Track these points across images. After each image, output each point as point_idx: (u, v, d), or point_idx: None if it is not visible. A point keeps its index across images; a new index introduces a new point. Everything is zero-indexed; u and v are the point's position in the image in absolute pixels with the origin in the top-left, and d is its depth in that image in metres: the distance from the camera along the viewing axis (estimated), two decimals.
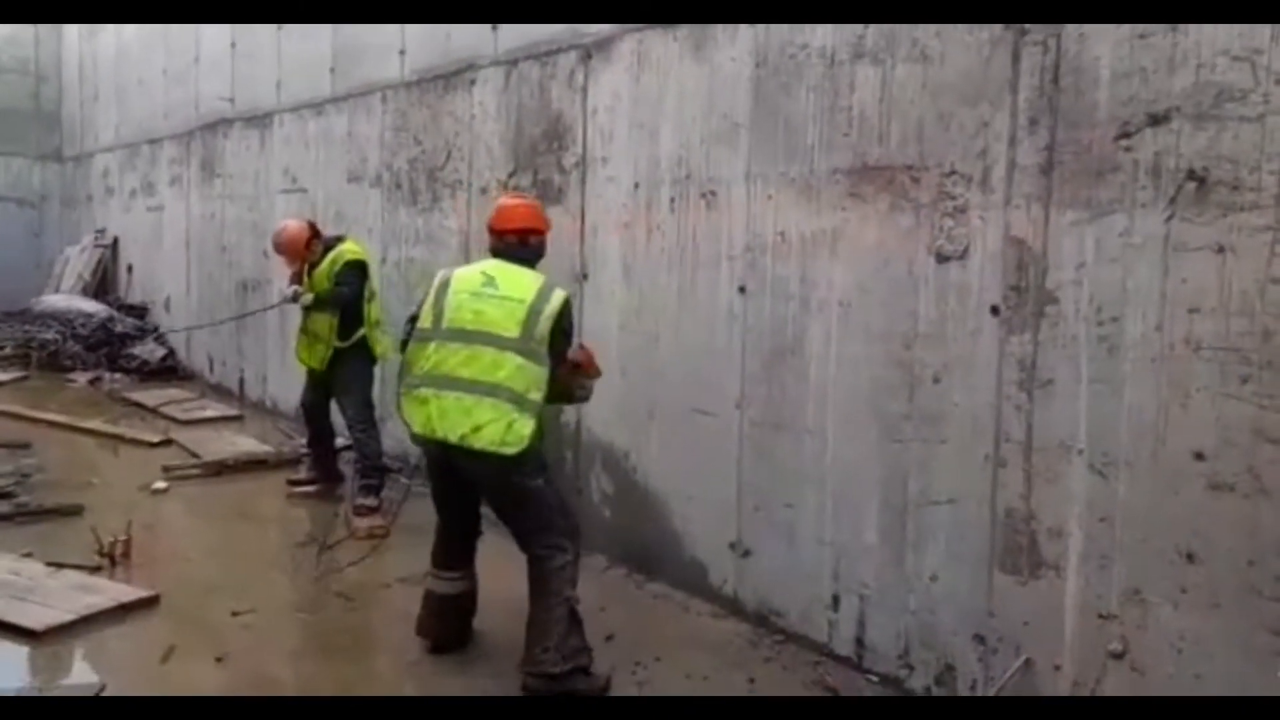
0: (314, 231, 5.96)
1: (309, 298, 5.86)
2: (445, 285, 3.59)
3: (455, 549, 3.83)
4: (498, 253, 3.73)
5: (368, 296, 5.86)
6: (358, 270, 5.81)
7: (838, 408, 3.77)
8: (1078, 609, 3.06)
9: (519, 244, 3.74)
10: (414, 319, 3.66)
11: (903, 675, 3.56)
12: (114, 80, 12.11)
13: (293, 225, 6.03)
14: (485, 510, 3.76)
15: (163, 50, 10.49)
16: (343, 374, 5.81)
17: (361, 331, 5.80)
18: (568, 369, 3.65)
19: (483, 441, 3.37)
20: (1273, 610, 2.63)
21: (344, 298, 5.74)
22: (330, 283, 5.78)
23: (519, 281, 3.56)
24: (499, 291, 3.51)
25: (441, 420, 3.43)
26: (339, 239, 6.03)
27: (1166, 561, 2.84)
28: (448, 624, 3.86)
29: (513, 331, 3.43)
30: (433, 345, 3.50)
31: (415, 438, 3.56)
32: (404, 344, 3.67)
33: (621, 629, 4.06)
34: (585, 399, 3.88)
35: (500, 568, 3.93)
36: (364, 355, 5.85)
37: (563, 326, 3.54)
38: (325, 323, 5.81)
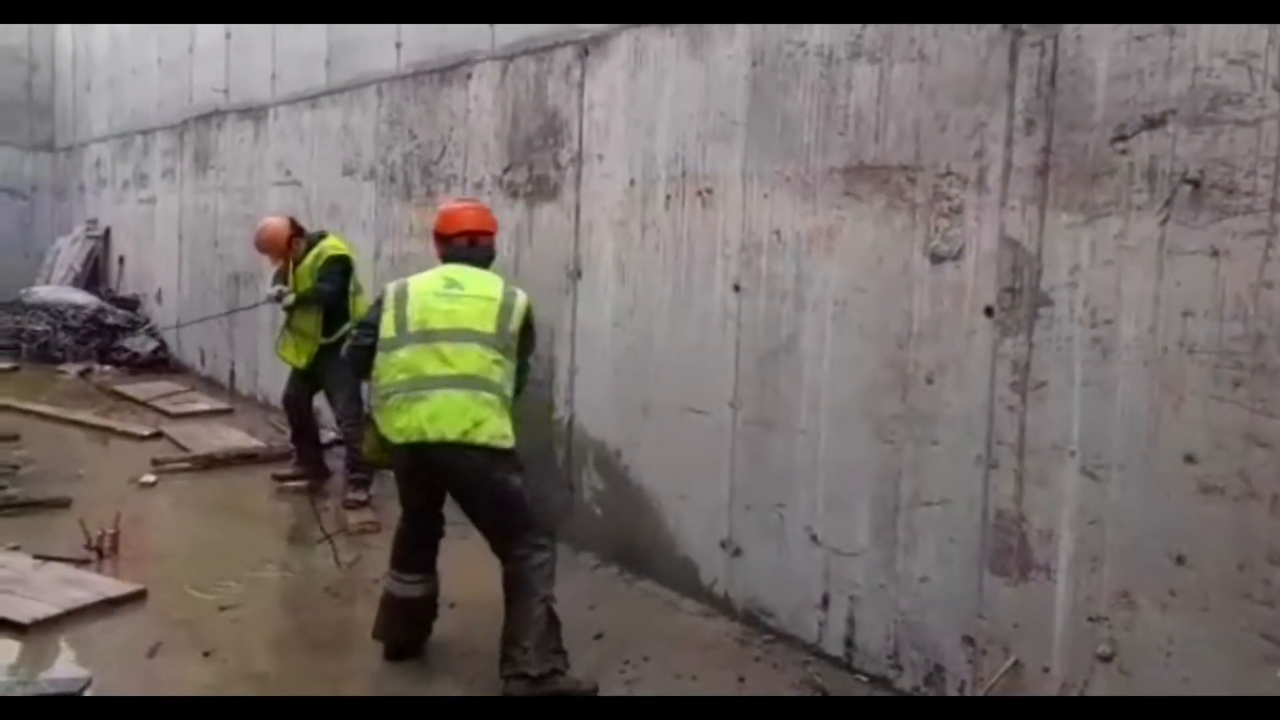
0: (295, 229, 5.92)
1: (291, 298, 5.83)
2: (403, 292, 3.58)
3: (420, 552, 3.73)
4: (448, 258, 3.78)
5: (353, 291, 5.82)
6: (340, 266, 5.78)
7: (831, 407, 3.76)
8: (1067, 611, 3.05)
9: (469, 246, 3.80)
10: (366, 331, 3.66)
11: (892, 676, 3.56)
12: (108, 70, 12.04)
13: (273, 223, 6.01)
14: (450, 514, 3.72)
15: (156, 40, 10.44)
16: (330, 370, 5.77)
17: (346, 327, 5.74)
18: None
19: (484, 436, 3.38)
20: (1262, 614, 2.63)
21: (325, 295, 5.71)
22: (313, 279, 5.75)
23: (483, 281, 3.63)
24: (465, 291, 3.55)
25: (434, 421, 3.37)
26: (321, 235, 5.99)
27: (1156, 564, 2.84)
28: (407, 629, 3.75)
29: (489, 328, 3.49)
30: (402, 352, 3.47)
31: (395, 446, 3.46)
32: (359, 358, 3.68)
33: (611, 627, 4.05)
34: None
35: (465, 569, 3.92)
36: None
37: (529, 324, 3.66)
38: (310, 320, 5.78)
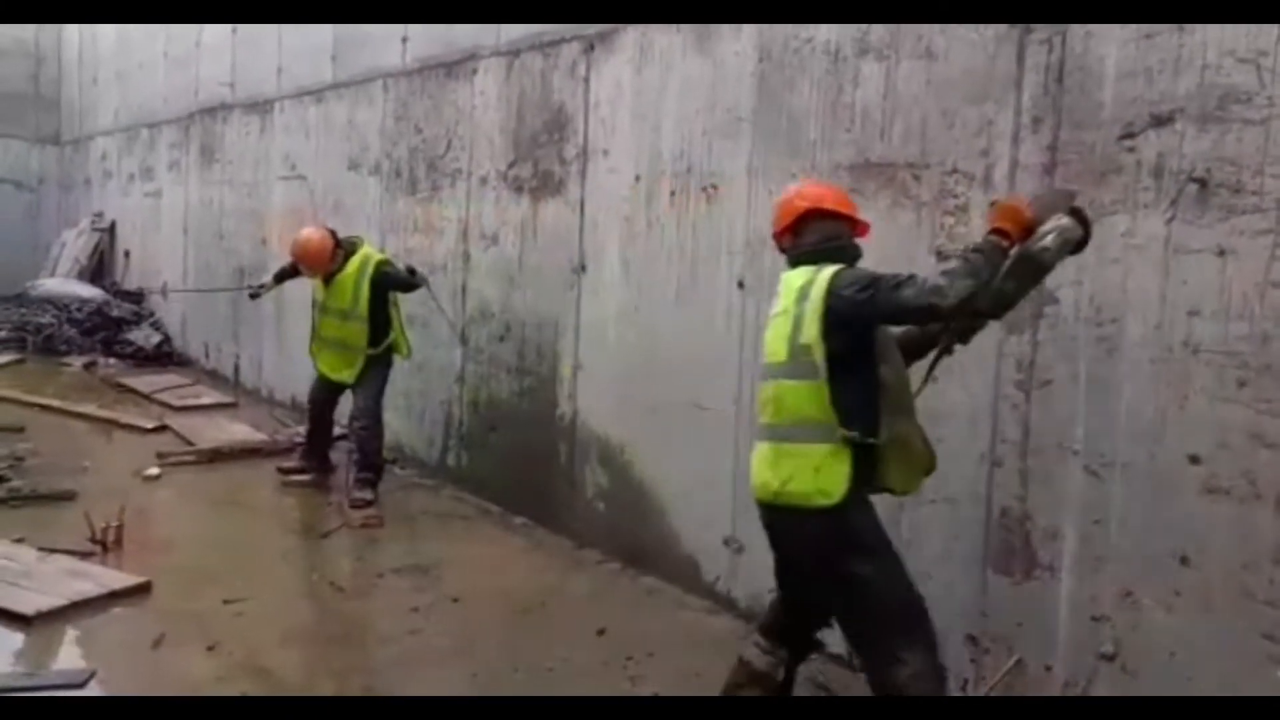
0: (336, 240, 5.69)
1: (266, 293, 6.35)
2: None
3: (780, 627, 3.06)
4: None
5: (393, 301, 5.75)
6: (390, 267, 5.69)
7: None
8: (1070, 610, 3.05)
9: (791, 248, 2.96)
10: None
11: None
12: (114, 63, 12.05)
13: (316, 236, 5.67)
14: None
15: (163, 34, 10.44)
16: (364, 374, 5.71)
17: (391, 337, 5.72)
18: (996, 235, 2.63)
19: (788, 497, 2.76)
20: (1266, 615, 2.62)
21: (421, 279, 5.64)
22: (365, 287, 5.57)
23: (792, 288, 2.84)
24: (779, 308, 2.87)
25: (756, 474, 2.88)
26: (352, 242, 5.79)
27: (1160, 564, 2.83)
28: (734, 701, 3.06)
29: (781, 355, 2.79)
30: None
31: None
32: None
33: (614, 623, 4.06)
34: (1071, 248, 2.64)
35: (471, 561, 3.91)
36: (388, 358, 5.79)
37: (844, 294, 2.66)
38: (357, 331, 5.64)
